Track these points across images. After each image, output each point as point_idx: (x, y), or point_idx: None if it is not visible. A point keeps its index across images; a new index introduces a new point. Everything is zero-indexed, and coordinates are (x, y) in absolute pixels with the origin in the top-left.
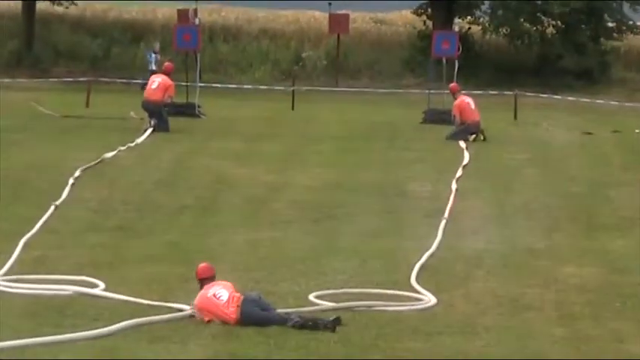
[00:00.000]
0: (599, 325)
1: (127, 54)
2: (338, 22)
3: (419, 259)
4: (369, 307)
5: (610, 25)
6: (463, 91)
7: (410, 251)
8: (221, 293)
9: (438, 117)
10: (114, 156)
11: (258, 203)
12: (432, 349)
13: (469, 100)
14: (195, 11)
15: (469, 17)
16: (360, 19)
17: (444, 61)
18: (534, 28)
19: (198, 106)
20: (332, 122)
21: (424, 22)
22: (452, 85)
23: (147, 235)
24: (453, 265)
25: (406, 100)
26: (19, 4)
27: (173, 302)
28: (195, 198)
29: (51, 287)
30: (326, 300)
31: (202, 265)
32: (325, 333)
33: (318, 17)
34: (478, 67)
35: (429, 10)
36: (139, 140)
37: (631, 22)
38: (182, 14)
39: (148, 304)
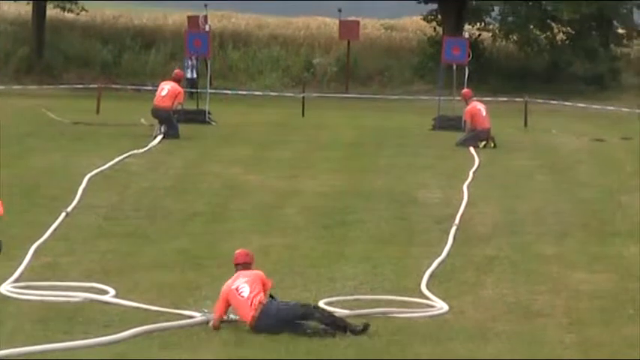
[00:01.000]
0: (611, 332)
1: (138, 60)
2: (348, 29)
3: (429, 266)
4: (384, 314)
5: (620, 31)
6: (474, 98)
7: (420, 258)
8: (243, 289)
9: (448, 123)
10: (125, 162)
11: (269, 209)
12: (442, 355)
13: (481, 106)
14: (206, 17)
15: (479, 24)
16: (370, 25)
17: (454, 67)
18: (544, 34)
19: (209, 113)
20: (342, 128)
21: (434, 29)
22: (465, 90)
23: (157, 241)
24: (464, 272)
25: (416, 106)
26: (30, 10)
27: (184, 309)
28: (206, 204)
29: (61, 294)
30: (336, 306)
31: (240, 250)
32: (336, 339)
33: (328, 23)
34: (488, 74)
35: (439, 16)
36: (150, 146)
37: None
38: (192, 20)
39: (159, 311)
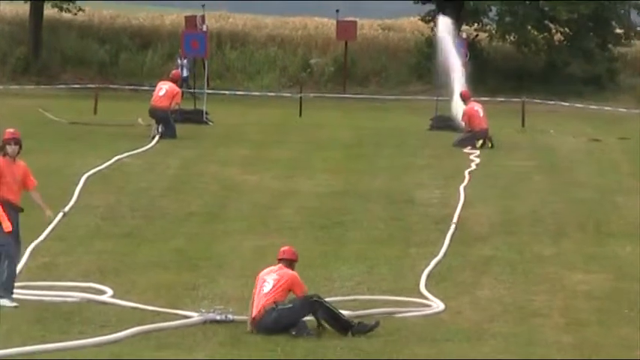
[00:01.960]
0: (607, 332)
1: (135, 60)
2: (346, 29)
3: (426, 266)
4: (381, 314)
5: (618, 31)
6: (472, 98)
7: (417, 258)
8: (266, 285)
9: (445, 124)
10: (122, 163)
11: (266, 210)
12: (439, 355)
13: (478, 107)
14: (203, 18)
15: (476, 24)
16: (367, 25)
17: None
18: (542, 34)
19: (206, 113)
20: (339, 129)
21: (432, 29)
22: (463, 91)
23: (154, 241)
24: (461, 272)
25: (413, 106)
26: (27, 10)
27: (180, 309)
28: (203, 204)
29: (58, 294)
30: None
31: (287, 247)
32: (332, 340)
33: (325, 24)
34: (486, 74)
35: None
36: (148, 146)
37: (638, 29)
38: (190, 21)
39: (156, 311)
